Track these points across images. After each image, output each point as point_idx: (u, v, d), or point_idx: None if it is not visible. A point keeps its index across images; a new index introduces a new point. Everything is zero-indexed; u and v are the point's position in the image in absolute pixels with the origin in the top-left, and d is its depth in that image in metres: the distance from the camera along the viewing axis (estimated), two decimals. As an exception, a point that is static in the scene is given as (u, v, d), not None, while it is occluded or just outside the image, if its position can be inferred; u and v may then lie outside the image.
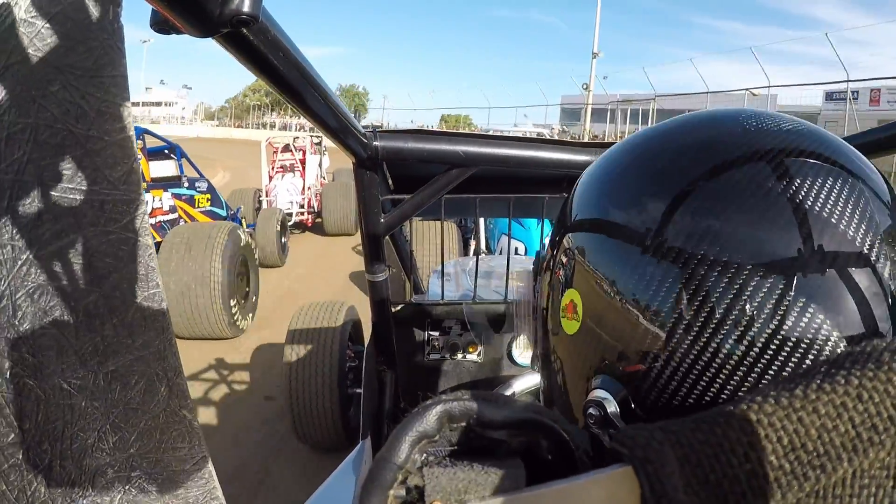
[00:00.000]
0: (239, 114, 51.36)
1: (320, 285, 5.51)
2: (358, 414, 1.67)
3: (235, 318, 3.95)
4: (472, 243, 4.89)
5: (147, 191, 4.65)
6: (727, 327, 0.30)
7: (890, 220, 0.32)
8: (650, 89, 19.08)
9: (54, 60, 0.35)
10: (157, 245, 3.92)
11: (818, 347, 0.29)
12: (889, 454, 0.22)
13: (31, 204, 0.36)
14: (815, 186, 0.32)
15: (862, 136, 0.83)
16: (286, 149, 8.24)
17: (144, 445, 0.40)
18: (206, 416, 3.03)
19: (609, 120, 22.88)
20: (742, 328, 0.30)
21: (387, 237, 1.07)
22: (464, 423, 0.31)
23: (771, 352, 0.30)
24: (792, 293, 0.30)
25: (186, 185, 5.31)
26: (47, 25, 0.34)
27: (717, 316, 0.30)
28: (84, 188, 0.36)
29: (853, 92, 14.32)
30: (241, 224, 5.74)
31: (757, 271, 0.30)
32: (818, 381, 0.23)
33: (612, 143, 0.46)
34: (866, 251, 0.30)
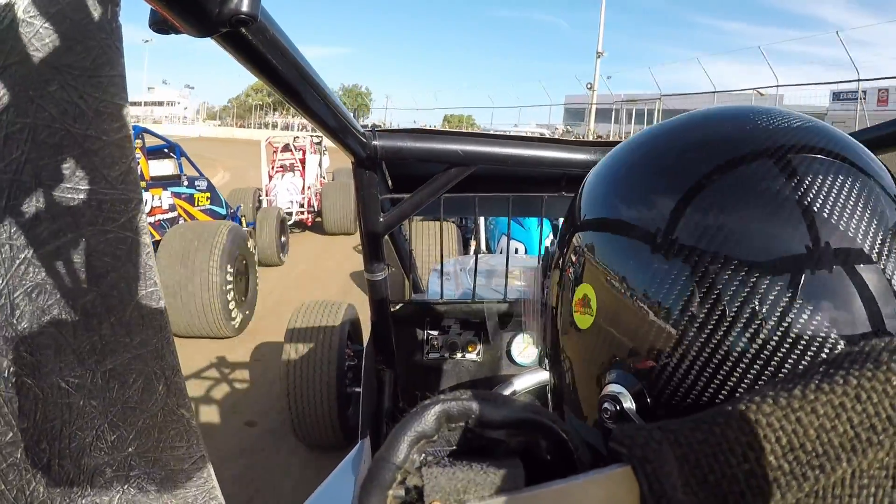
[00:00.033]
0: (241, 114, 51.30)
1: (320, 284, 5.50)
2: (357, 413, 1.66)
3: (234, 316, 3.94)
4: (473, 243, 4.89)
5: (146, 189, 4.64)
6: (741, 325, 0.30)
7: None
8: (654, 89, 19.03)
9: (52, 60, 0.35)
10: (157, 243, 3.91)
11: (831, 345, 0.29)
12: (888, 454, 0.22)
13: (29, 203, 0.35)
14: (827, 184, 0.31)
15: (867, 132, 0.82)
16: (286, 148, 8.24)
17: (143, 444, 0.40)
18: (207, 415, 3.03)
19: (613, 120, 22.79)
20: (756, 326, 0.30)
21: (386, 236, 1.07)
22: (462, 423, 0.31)
23: (785, 349, 0.30)
24: (805, 291, 0.29)
25: (186, 183, 5.30)
26: (45, 25, 0.34)
27: (731, 314, 0.30)
28: (82, 187, 0.36)
29: (862, 91, 14.28)
30: (240, 223, 5.73)
31: (769, 269, 0.30)
32: (817, 381, 0.23)
33: (614, 142, 0.46)
34: (878, 248, 0.30)
